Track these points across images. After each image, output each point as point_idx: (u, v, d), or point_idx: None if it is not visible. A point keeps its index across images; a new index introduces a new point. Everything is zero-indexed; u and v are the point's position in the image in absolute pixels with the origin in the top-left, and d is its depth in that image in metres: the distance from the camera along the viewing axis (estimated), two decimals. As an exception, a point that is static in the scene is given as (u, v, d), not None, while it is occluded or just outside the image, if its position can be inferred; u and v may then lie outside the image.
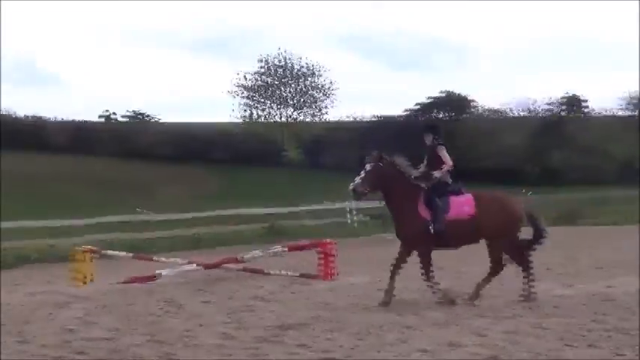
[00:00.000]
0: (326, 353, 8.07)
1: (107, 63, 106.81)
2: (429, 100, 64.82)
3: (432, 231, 10.77)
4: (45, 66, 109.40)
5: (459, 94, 64.95)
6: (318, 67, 64.48)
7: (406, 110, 65.66)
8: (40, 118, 66.09)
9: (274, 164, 57.03)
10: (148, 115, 70.84)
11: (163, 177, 55.08)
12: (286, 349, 8.31)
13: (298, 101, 64.55)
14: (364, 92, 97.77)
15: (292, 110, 64.70)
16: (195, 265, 15.28)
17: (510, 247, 11.01)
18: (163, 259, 16.59)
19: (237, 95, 64.19)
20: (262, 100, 64.26)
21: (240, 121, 63.99)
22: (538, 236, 11.20)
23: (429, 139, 11.38)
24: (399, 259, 11.16)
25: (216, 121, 66.17)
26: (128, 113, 70.15)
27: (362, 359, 7.82)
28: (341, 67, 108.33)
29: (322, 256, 14.90)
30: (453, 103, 64.47)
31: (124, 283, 14.52)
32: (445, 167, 11.14)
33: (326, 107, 64.80)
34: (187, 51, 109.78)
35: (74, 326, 10.20)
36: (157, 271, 14.65)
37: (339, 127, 63.22)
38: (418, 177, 11.10)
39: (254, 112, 64.28)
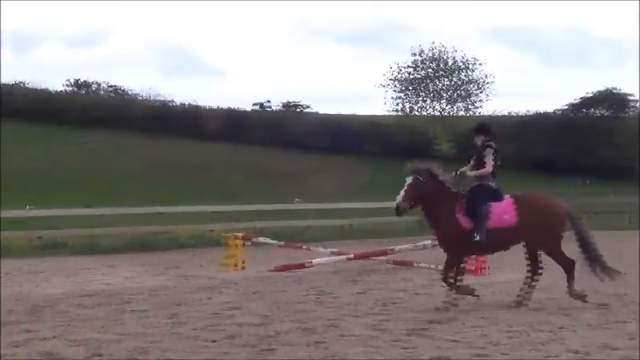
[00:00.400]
0: (478, 349, 7.86)
1: (265, 55, 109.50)
2: (587, 95, 62.45)
3: (476, 239, 10.41)
4: (204, 57, 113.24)
5: (619, 91, 62.20)
6: (472, 60, 63.53)
7: (565, 105, 63.57)
8: (196, 106, 68.15)
9: (426, 157, 56.44)
10: (302, 106, 71.93)
11: (316, 167, 55.77)
12: (436, 344, 8.15)
13: (452, 95, 63.77)
14: (518, 87, 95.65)
15: (445, 104, 64.01)
16: (345, 255, 15.30)
17: (554, 250, 10.68)
18: (315, 247, 16.73)
19: (390, 88, 64.18)
20: (415, 93, 63.88)
21: (392, 113, 63.92)
22: (585, 244, 10.82)
23: (479, 140, 10.98)
24: (446, 266, 10.81)
25: (368, 114, 66.40)
26: (283, 102, 71.57)
27: (515, 358, 7.55)
28: (495, 61, 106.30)
29: (473, 251, 14.59)
30: (614, 100, 61.80)
31: (275, 270, 14.73)
32: (482, 170, 10.69)
33: (480, 101, 63.77)
34: (341, 44, 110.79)
35: (225, 311, 10.41)
36: (309, 260, 14.75)
37: (493, 121, 61.98)
38: (455, 178, 10.83)
39: (406, 105, 64.07)
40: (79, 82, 77.44)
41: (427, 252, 16.49)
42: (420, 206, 10.73)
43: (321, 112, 69.97)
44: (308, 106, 72.43)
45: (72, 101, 68.17)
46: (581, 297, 10.65)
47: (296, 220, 25.43)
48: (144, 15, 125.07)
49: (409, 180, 10.66)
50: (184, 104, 68.23)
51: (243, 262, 15.61)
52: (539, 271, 10.85)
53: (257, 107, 72.18)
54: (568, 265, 10.67)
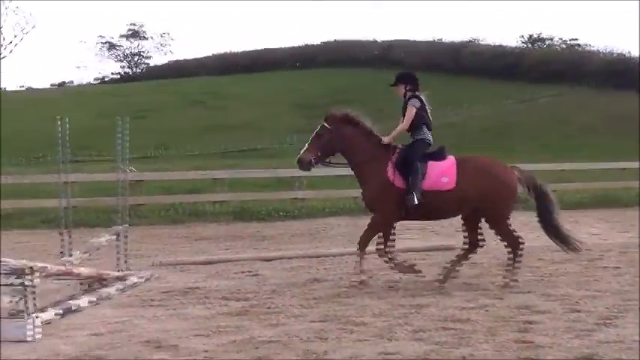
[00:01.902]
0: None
1: None
2: None
3: (408, 203, 8.97)
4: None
5: None
6: None
7: None
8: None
9: None
10: None
11: None
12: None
13: None
14: None
15: None
16: None
17: (499, 224, 9.12)
18: None
19: None
20: None
21: None
22: (545, 211, 9.34)
23: (401, 91, 9.50)
24: (368, 232, 9.31)
25: None
26: None
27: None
28: None
29: None
30: None
31: None
32: (396, 129, 9.30)
33: None
34: None
35: None
36: None
37: None
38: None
39: None
40: (533, 37, 77.92)
41: None
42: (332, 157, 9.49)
43: None
44: None
45: (524, 57, 68.53)
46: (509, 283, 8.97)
47: None
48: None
49: (315, 131, 9.40)
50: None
51: None
52: (481, 243, 9.38)
53: None
54: (514, 244, 9.18)
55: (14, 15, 56.46)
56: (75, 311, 7.79)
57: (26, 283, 6.63)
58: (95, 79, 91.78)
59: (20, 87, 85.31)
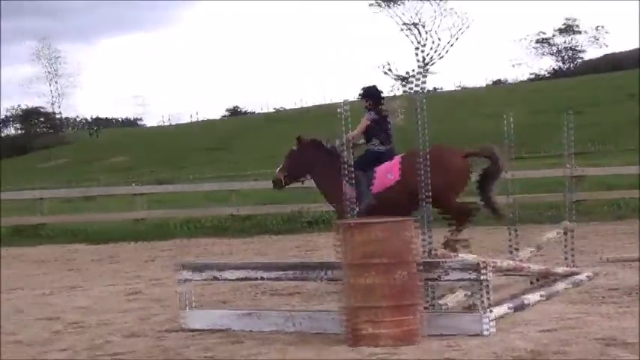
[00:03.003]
0: None
1: None
2: None
3: (357, 213, 9.11)
4: None
5: None
6: None
7: None
8: None
9: None
10: None
11: None
12: None
13: None
14: None
15: None
16: None
17: (447, 206, 9.39)
18: None
19: None
20: None
21: None
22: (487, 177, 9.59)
23: (364, 105, 10.16)
24: None
25: None
26: None
27: None
28: None
29: None
30: None
31: None
32: (348, 135, 9.01)
33: None
34: None
35: None
36: None
37: None
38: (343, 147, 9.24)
39: None
40: None
41: None
42: (305, 178, 10.49)
43: None
44: None
45: None
46: (454, 249, 8.98)
47: None
48: None
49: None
50: None
51: None
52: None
53: None
54: (464, 214, 9.55)
55: (450, 16, 58.70)
56: (526, 307, 7.91)
57: (481, 278, 6.89)
58: (530, 74, 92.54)
59: (457, 86, 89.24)
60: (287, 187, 10.60)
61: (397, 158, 9.79)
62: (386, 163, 9.80)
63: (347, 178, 9.00)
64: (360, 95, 10.37)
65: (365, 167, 9.79)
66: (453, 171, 9.46)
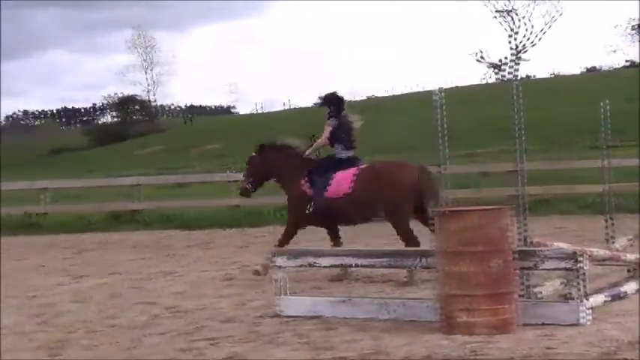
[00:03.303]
0: None
1: None
2: None
3: (310, 211, 10.17)
4: None
5: None
6: None
7: None
8: None
9: None
10: None
11: None
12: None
13: None
14: None
15: None
16: None
17: (397, 225, 9.86)
18: None
19: None
20: None
21: None
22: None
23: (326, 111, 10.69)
24: (285, 235, 10.52)
25: None
26: None
27: None
28: None
29: None
30: None
31: None
32: (314, 144, 10.60)
33: None
34: None
35: None
36: None
37: None
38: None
39: None
40: None
41: None
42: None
43: None
44: None
45: None
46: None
47: None
48: None
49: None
50: None
51: None
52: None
53: None
54: (410, 245, 9.44)
55: (543, 4, 57.19)
56: (624, 296, 7.78)
57: (577, 267, 6.82)
58: (626, 61, 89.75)
59: (551, 74, 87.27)
60: (256, 191, 11.30)
61: (353, 170, 10.15)
62: (343, 172, 10.18)
63: (304, 180, 10.24)
64: (320, 103, 11.72)
65: (324, 172, 10.31)
66: (400, 190, 9.74)
